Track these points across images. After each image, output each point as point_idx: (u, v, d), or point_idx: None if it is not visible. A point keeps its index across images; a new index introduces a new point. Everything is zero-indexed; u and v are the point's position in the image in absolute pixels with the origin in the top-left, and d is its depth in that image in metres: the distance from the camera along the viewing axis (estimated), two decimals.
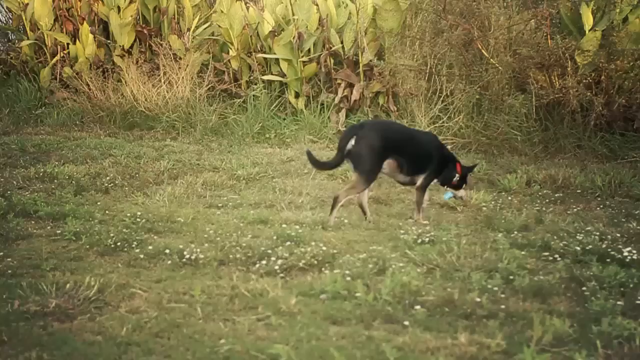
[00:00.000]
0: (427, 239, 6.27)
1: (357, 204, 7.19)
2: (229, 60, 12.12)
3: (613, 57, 10.08)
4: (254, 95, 11.55)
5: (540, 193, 8.26)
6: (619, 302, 4.96)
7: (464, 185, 7.40)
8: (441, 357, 4.15)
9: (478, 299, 4.90)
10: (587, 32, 10.28)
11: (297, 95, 11.63)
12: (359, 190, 6.94)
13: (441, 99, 10.57)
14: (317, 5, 11.52)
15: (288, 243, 6.08)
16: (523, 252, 6.00)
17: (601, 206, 7.84)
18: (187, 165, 9.47)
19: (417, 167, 7.09)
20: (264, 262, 5.68)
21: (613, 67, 10.02)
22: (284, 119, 11.43)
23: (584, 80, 10.09)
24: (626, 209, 7.70)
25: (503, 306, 4.91)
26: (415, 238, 6.29)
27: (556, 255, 5.93)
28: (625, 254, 5.88)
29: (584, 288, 5.24)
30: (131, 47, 12.86)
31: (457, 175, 7.25)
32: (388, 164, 6.95)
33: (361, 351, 4.24)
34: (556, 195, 8.21)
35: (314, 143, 10.72)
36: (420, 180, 7.13)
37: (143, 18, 13.02)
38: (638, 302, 5.04)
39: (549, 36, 10.49)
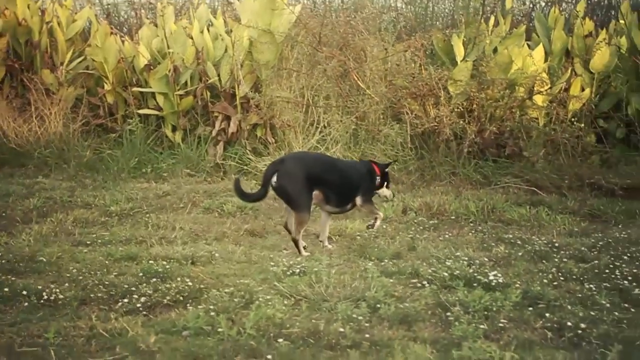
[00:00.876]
0: (297, 270, 6.19)
1: (282, 225, 7.37)
2: (104, 95, 11.82)
3: (484, 87, 10.35)
4: (129, 130, 11.29)
5: (415, 220, 8.33)
6: (481, 326, 5.00)
7: (386, 184, 7.47)
8: None
9: (342, 329, 4.83)
10: (458, 62, 10.54)
11: (174, 129, 11.43)
12: (305, 221, 6.96)
13: (319, 129, 10.60)
14: (192, 38, 11.38)
15: (154, 280, 5.89)
16: (392, 280, 6.00)
17: (473, 231, 7.95)
18: (58, 202, 9.12)
19: (343, 198, 7.17)
20: (126, 300, 5.47)
21: (484, 96, 10.27)
22: (161, 153, 11.20)
23: (457, 109, 10.30)
24: (497, 234, 7.82)
25: (367, 335, 4.87)
26: (285, 270, 6.21)
27: (424, 282, 5.95)
28: (491, 277, 5.95)
29: (448, 313, 5.26)
30: (1, 82, 12.40)
31: (377, 177, 7.34)
32: (315, 196, 6.99)
33: None
34: (431, 222, 8.29)
35: (191, 177, 10.54)
36: (359, 200, 7.23)
37: (14, 52, 12.57)
38: (501, 324, 5.08)
39: (422, 67, 10.69)
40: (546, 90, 10.54)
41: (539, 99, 10.57)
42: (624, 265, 6.47)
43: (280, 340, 4.75)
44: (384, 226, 8.05)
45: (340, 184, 7.07)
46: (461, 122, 10.20)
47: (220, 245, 7.22)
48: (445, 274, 6.03)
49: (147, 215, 8.48)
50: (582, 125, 10.44)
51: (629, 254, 6.86)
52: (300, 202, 6.87)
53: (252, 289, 5.68)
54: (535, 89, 10.54)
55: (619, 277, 6.19)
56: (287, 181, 6.81)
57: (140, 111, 11.51)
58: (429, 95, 10.39)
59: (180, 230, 7.78)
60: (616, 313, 5.37)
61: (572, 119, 10.49)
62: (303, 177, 6.84)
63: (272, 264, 6.44)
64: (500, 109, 10.37)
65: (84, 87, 12.11)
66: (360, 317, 5.08)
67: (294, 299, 5.59)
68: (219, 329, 4.86)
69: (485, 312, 5.28)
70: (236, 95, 11.07)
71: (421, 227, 8.06)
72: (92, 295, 5.59)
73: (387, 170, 7.42)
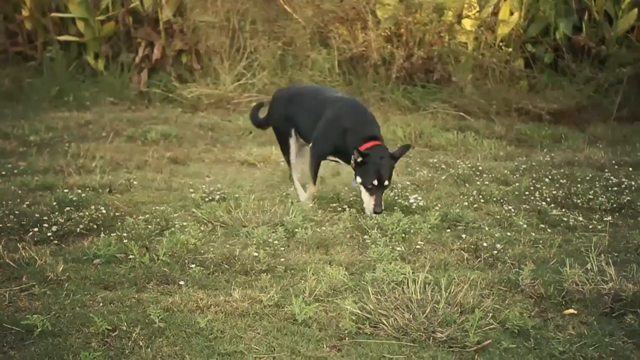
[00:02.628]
0: (217, 197, 6.08)
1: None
2: (22, 21, 11.37)
3: (412, 10, 10.19)
4: (50, 57, 10.91)
5: None
6: (398, 248, 4.98)
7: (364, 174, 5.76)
8: (210, 315, 3.97)
9: (256, 254, 4.76)
10: None
11: (96, 56, 11.08)
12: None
13: (245, 55, 10.39)
14: None
15: (68, 209, 5.70)
16: (312, 205, 5.93)
17: None
18: None
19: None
20: (36, 229, 5.29)
21: (412, 19, 10.13)
22: (83, 81, 10.86)
23: (385, 34, 10.16)
24: (422, 158, 7.81)
25: (283, 259, 4.80)
26: (204, 196, 6.09)
27: (345, 206, 5.89)
28: (412, 201, 5.93)
29: (366, 237, 5.23)
30: None
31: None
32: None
33: (127, 314, 4.00)
34: None
35: (114, 105, 10.27)
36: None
37: None
38: (418, 246, 5.06)
39: None
40: (474, 14, 10.44)
41: (467, 23, 10.47)
42: (544, 188, 6.50)
43: (194, 265, 4.66)
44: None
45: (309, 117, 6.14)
46: (389, 47, 10.09)
47: (141, 174, 7.06)
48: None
49: (68, 144, 8.23)
50: (511, 50, 10.40)
51: (550, 177, 6.90)
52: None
53: (168, 216, 5.55)
54: (463, 13, 10.43)
55: (538, 199, 6.23)
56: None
57: (61, 38, 11.11)
58: (357, 20, 10.21)
59: (101, 159, 7.57)
60: (532, 234, 5.41)
61: (501, 44, 10.43)
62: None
63: (191, 190, 6.31)
64: (428, 34, 10.26)
65: (1, 14, 11.62)
66: (276, 242, 5.02)
67: (211, 225, 5.49)
68: (131, 256, 4.74)
69: (403, 235, 5.26)
70: (159, 20, 10.75)
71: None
72: (1, 226, 5.39)
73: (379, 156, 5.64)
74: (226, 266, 4.70)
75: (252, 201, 5.87)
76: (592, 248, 4.81)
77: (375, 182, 5.53)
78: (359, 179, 5.62)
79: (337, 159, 6.06)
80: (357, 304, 4.03)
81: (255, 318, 4.01)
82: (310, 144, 6.07)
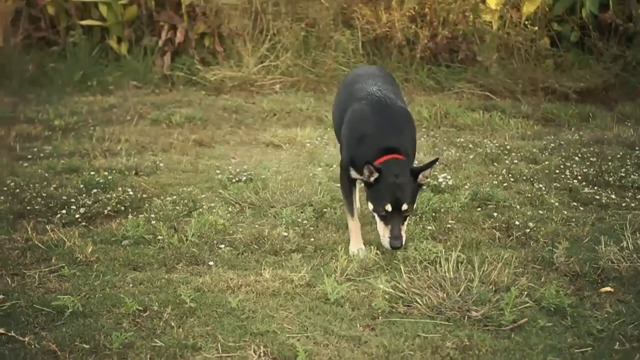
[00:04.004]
0: (244, 178, 6.04)
1: None
2: (44, 6, 11.34)
3: None
4: (73, 42, 10.88)
5: None
6: (428, 227, 4.92)
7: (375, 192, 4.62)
8: (241, 295, 3.94)
9: (286, 234, 4.72)
10: None
11: (119, 40, 11.03)
12: None
13: (268, 37, 10.30)
14: None
15: (95, 191, 5.69)
16: (338, 185, 5.86)
17: (425, 136, 7.83)
18: None
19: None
20: (64, 211, 5.28)
21: None
22: (106, 66, 10.83)
23: (409, 14, 10.04)
24: (449, 138, 7.72)
25: (312, 239, 4.76)
26: (231, 177, 6.06)
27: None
28: (441, 180, 5.86)
29: None
30: None
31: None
32: None
33: (157, 295, 3.98)
34: None
35: (138, 89, 10.22)
36: None
37: None
38: (449, 225, 5.00)
39: None
40: None
41: (492, 2, 10.32)
42: (574, 166, 6.40)
43: (223, 246, 4.63)
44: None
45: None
46: (413, 27, 9.97)
47: (166, 156, 7.03)
48: None
49: (92, 128, 8.22)
50: (536, 28, 10.22)
51: (579, 155, 6.79)
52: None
53: (195, 197, 5.53)
54: None
55: (569, 177, 6.13)
56: None
57: (83, 22, 11.07)
58: (381, 0, 10.10)
59: (126, 142, 7.55)
60: (565, 212, 5.32)
61: (526, 22, 10.26)
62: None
63: (217, 172, 6.27)
64: (453, 13, 10.13)
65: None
66: (305, 222, 4.97)
67: (238, 206, 5.45)
68: (159, 237, 4.71)
69: (434, 214, 5.20)
70: (182, 3, 10.68)
71: None
72: (29, 208, 5.38)
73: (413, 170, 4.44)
74: (255, 246, 4.66)
75: (279, 182, 5.82)
76: (627, 226, 4.73)
77: (389, 207, 4.27)
78: (370, 205, 4.40)
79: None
80: (389, 283, 3.98)
81: (287, 298, 3.97)
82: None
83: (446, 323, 3.70)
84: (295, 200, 5.45)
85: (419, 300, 3.83)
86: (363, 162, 4.29)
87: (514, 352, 3.40)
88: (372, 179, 4.29)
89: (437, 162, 4.68)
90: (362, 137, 4.50)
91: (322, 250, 4.61)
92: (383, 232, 4.30)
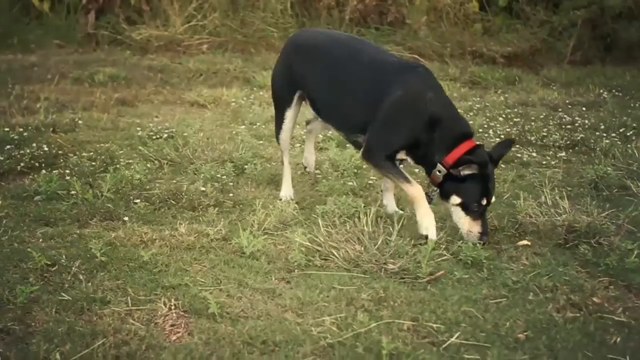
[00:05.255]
0: (164, 135, 5.91)
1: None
2: None
3: None
4: None
5: None
6: (349, 183, 4.87)
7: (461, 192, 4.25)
8: (154, 249, 3.84)
9: (203, 189, 4.62)
10: None
11: None
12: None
13: None
14: None
15: (8, 147, 5.49)
16: (262, 142, 5.80)
17: None
18: None
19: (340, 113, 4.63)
20: None
21: None
22: (28, 24, 10.49)
23: None
24: None
25: (231, 194, 4.68)
26: (151, 134, 5.92)
27: (297, 143, 5.77)
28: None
29: (317, 171, 5.11)
30: None
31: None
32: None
33: (68, 250, 3.85)
34: None
35: (61, 47, 9.94)
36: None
37: None
38: (370, 182, 4.96)
39: None
40: None
41: None
42: (498, 126, 6.44)
43: (139, 201, 4.51)
44: (261, 93, 7.82)
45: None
46: None
47: (87, 114, 6.83)
48: (320, 135, 5.86)
49: (11, 86, 7.92)
50: None
51: (504, 116, 6.84)
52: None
53: (113, 153, 5.39)
54: None
55: (492, 136, 6.16)
56: None
57: None
58: None
59: (45, 100, 7.29)
60: None
61: None
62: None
63: (138, 129, 6.12)
64: None
65: None
66: (224, 177, 4.87)
67: (157, 163, 5.33)
68: (73, 192, 4.56)
69: (355, 170, 5.15)
70: None
71: None
72: None
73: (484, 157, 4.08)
74: (172, 202, 4.55)
75: (200, 139, 5.71)
76: (546, 182, 4.75)
77: (484, 202, 4.01)
78: (455, 199, 4.03)
79: (406, 158, 4.25)
80: (307, 236, 3.92)
81: (202, 251, 3.89)
82: (366, 143, 4.24)
83: (363, 275, 3.66)
84: (216, 157, 5.34)
85: (335, 254, 3.78)
86: (439, 152, 4.02)
87: (429, 303, 3.37)
88: (465, 172, 3.98)
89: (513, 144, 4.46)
90: (435, 122, 4.06)
91: (241, 206, 4.54)
92: (470, 226, 4.01)
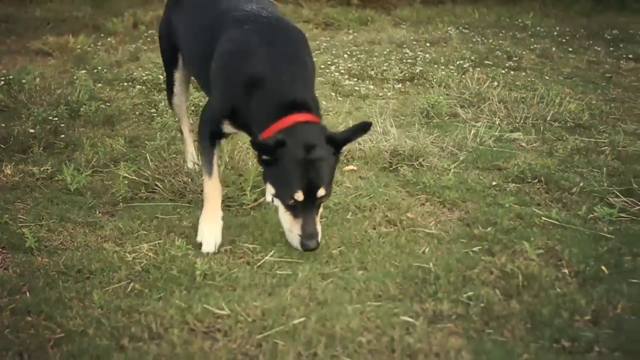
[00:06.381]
0: (1, 83, 5.75)
1: None
2: None
3: None
4: None
5: (145, 34, 8.00)
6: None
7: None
8: None
9: (32, 130, 4.55)
10: None
11: None
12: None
13: None
14: None
15: None
16: (100, 85, 5.74)
17: None
18: None
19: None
20: None
21: None
22: None
23: None
24: None
25: (63, 136, 4.62)
26: None
27: (136, 85, 5.74)
28: None
29: (152, 110, 5.11)
30: None
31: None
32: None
33: None
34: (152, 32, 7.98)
35: None
36: None
37: None
38: None
39: None
40: None
41: None
42: (341, 62, 6.56)
43: None
44: (109, 39, 7.70)
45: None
46: None
47: None
48: (161, 76, 5.85)
49: None
50: None
51: (349, 53, 6.96)
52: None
53: None
54: None
55: (334, 71, 6.28)
56: None
57: None
58: None
59: None
60: (324, 102, 5.44)
61: None
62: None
63: None
64: None
65: None
66: (56, 119, 4.80)
67: None
68: None
69: (193, 108, 5.16)
70: None
71: (149, 39, 7.76)
72: None
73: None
74: (2, 146, 4.47)
75: (37, 84, 5.59)
76: (378, 112, 4.90)
77: (300, 196, 3.04)
78: (270, 189, 3.16)
79: (237, 130, 3.40)
80: (134, 171, 3.94)
81: (26, 191, 3.86)
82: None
83: (187, 205, 3.71)
84: (53, 101, 5.24)
85: (161, 186, 3.82)
86: (257, 125, 3.14)
87: (248, 227, 3.46)
88: (266, 155, 3.05)
89: (369, 128, 3.25)
90: (252, 82, 3.15)
91: (72, 146, 4.50)
92: (290, 226, 3.11)
